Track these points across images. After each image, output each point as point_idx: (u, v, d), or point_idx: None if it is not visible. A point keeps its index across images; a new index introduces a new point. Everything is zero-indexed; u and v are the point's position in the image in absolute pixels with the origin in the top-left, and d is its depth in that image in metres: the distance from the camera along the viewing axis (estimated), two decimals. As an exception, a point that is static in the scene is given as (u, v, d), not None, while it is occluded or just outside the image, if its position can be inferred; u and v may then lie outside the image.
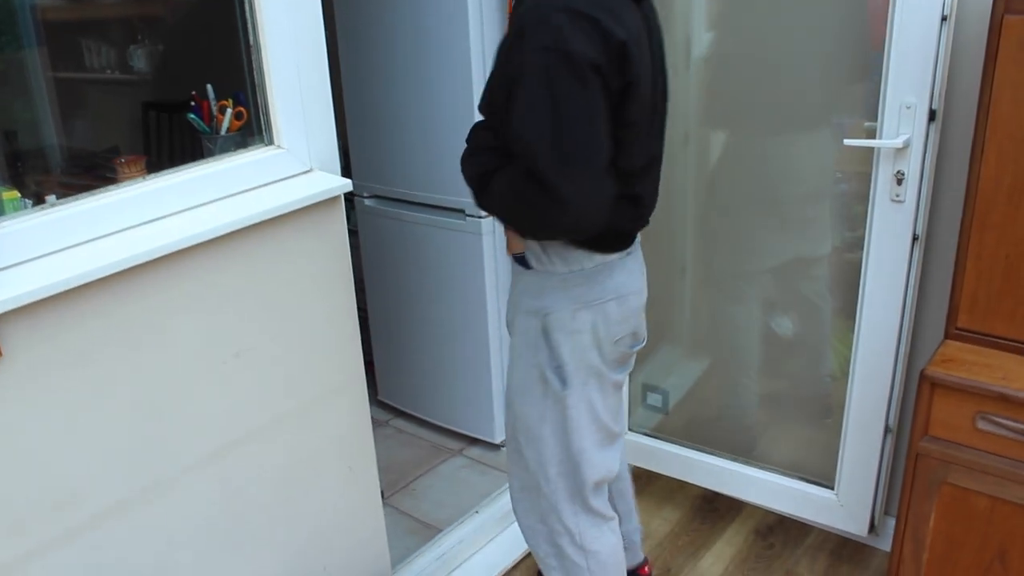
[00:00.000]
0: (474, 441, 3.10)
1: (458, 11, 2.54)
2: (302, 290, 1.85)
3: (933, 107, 1.92)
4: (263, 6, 1.74)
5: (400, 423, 3.27)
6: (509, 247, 1.77)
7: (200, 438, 1.71)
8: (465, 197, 2.68)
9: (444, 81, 2.64)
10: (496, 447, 3.04)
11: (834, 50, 2.14)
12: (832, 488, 2.36)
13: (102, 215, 1.56)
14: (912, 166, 1.97)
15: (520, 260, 1.77)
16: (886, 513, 2.34)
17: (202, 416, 1.70)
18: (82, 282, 1.44)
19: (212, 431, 1.73)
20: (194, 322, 1.65)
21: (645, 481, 2.78)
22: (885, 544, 2.33)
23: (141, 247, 1.53)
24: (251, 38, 1.79)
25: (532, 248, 1.72)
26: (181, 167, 1.74)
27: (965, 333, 1.82)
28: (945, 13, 1.85)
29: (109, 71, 2.96)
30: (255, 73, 1.79)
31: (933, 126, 1.94)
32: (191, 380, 1.67)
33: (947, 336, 1.84)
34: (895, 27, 1.90)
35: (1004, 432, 1.67)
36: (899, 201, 2.00)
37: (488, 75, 1.67)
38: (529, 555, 2.46)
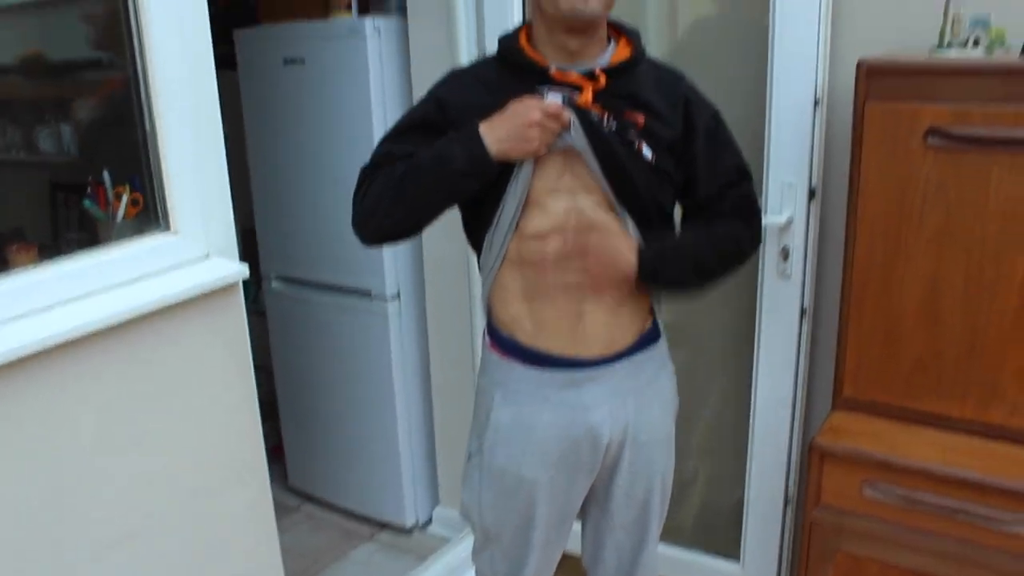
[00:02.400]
0: (385, 525, 3.06)
1: (362, 94, 2.59)
2: (200, 377, 1.83)
3: (812, 186, 2.02)
4: (159, 92, 1.76)
5: (310, 508, 3.21)
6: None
7: (94, 530, 1.66)
8: (371, 278, 2.71)
9: (349, 164, 2.67)
10: (407, 531, 3.00)
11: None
12: (738, 560, 2.39)
13: (-11, 303, 1.54)
14: (796, 242, 2.05)
15: (653, 334, 1.73)
16: (791, 582, 2.38)
17: (96, 507, 1.65)
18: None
19: (107, 522, 1.68)
20: (87, 412, 1.62)
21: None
22: (791, 613, 2.36)
23: (32, 336, 1.51)
24: (147, 124, 1.80)
25: (658, 307, 1.74)
26: (74, 254, 1.72)
27: (851, 403, 1.88)
28: (817, 97, 1.96)
29: (15, 151, 2.92)
30: (151, 159, 1.80)
31: (813, 204, 2.04)
32: (84, 471, 1.63)
33: (834, 406, 1.91)
34: (772, 110, 2.01)
35: (890, 499, 1.72)
36: (786, 276, 2.08)
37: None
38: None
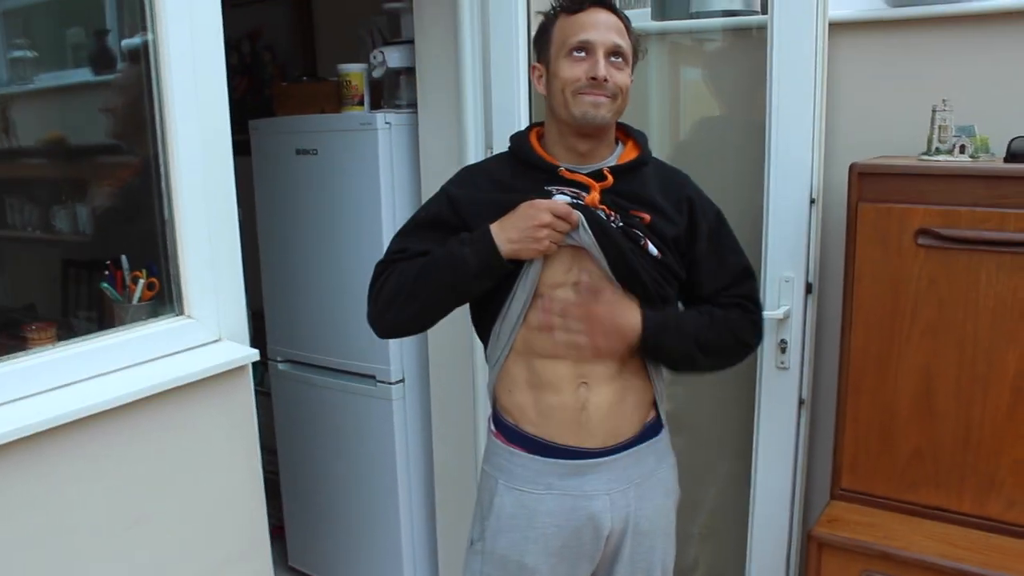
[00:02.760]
0: (384, 610, 3.04)
1: (372, 185, 2.67)
2: (207, 457, 1.87)
3: (809, 280, 2.07)
4: (178, 180, 1.83)
5: (310, 590, 3.19)
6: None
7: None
8: (376, 363, 2.76)
9: (356, 250, 2.75)
10: (407, 615, 2.98)
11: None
12: (738, 651, 2.38)
13: (8, 380, 1.58)
14: (794, 335, 2.10)
15: (655, 426, 1.76)
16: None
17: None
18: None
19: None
20: (97, 488, 1.66)
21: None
22: None
23: (46, 414, 1.56)
24: (165, 212, 1.87)
25: (661, 399, 1.77)
26: (91, 335, 1.78)
27: (849, 493, 1.91)
28: (813, 197, 2.04)
29: (30, 229, 2.99)
30: (168, 245, 1.87)
31: (810, 298, 2.09)
32: (91, 546, 1.65)
33: (833, 496, 1.93)
34: (770, 208, 2.08)
35: (888, 590, 1.74)
36: (784, 368, 2.13)
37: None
38: None
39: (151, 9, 1.79)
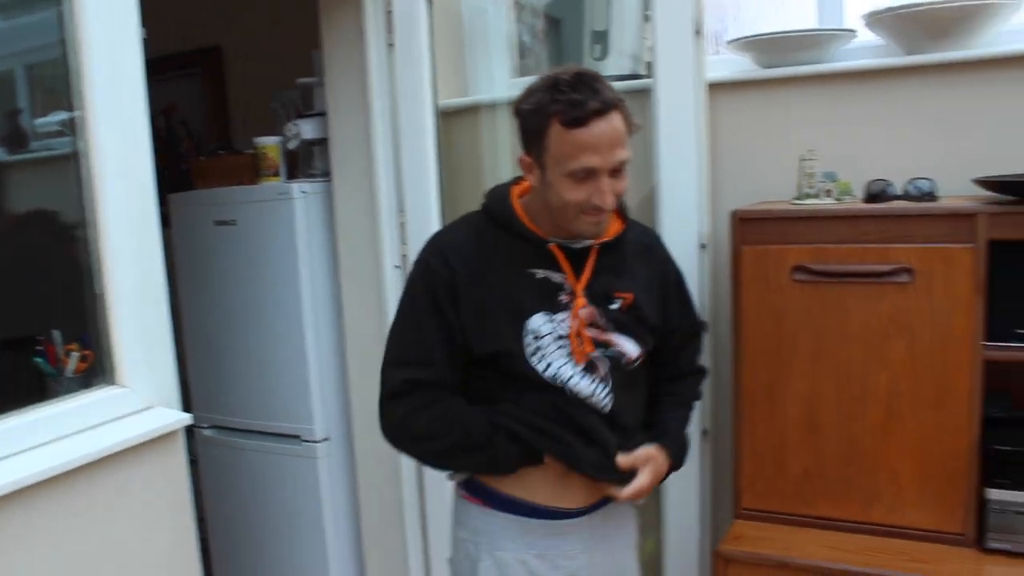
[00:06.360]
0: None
1: (290, 252, 2.79)
2: (143, 523, 1.90)
3: (704, 320, 2.25)
4: (109, 256, 1.90)
5: (243, 656, 3.20)
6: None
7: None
8: (300, 423, 2.84)
9: (277, 314, 2.85)
10: (342, 672, 3.02)
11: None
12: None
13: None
14: (693, 370, 2.28)
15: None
16: None
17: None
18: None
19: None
20: (34, 558, 1.68)
21: None
22: None
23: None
24: (96, 286, 1.94)
25: None
26: (24, 408, 1.82)
27: (750, 512, 2.08)
28: (703, 242, 2.23)
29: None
30: (100, 318, 1.93)
31: (706, 336, 2.26)
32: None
33: (736, 516, 2.10)
34: (665, 254, 2.26)
35: (790, 598, 1.90)
36: (686, 401, 2.29)
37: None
38: None
39: (79, 87, 1.86)
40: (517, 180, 1.74)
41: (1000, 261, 1.79)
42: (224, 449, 3.09)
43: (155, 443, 1.92)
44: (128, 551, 1.87)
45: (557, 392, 1.64)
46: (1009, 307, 1.81)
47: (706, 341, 2.25)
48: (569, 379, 1.63)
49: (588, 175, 1.54)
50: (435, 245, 1.72)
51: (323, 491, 2.90)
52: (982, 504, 1.85)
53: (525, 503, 1.70)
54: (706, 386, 2.26)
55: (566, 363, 1.63)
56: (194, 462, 3.15)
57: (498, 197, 1.72)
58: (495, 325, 1.63)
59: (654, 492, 2.36)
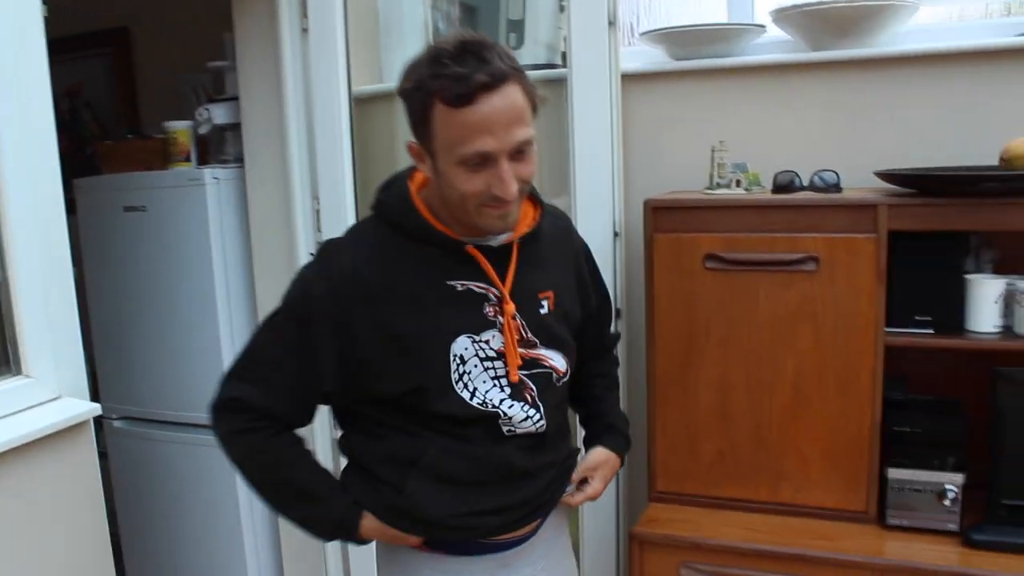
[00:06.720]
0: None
1: (202, 240, 2.74)
2: (52, 516, 1.87)
3: (618, 307, 2.30)
4: (11, 242, 1.85)
5: (154, 651, 3.14)
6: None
7: None
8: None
9: (188, 302, 2.79)
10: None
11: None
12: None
13: None
14: (608, 357, 2.32)
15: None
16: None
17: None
18: None
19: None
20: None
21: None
22: None
23: None
24: (-1, 272, 1.89)
25: None
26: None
27: (664, 495, 2.13)
28: (617, 230, 2.27)
29: None
30: (3, 306, 1.88)
31: (620, 322, 2.31)
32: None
33: (650, 499, 2.15)
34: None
35: (703, 576, 1.96)
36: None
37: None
38: None
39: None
40: (413, 171, 1.48)
41: (900, 251, 1.86)
42: (135, 440, 3.02)
43: (63, 435, 1.89)
44: (36, 550, 1.83)
45: (479, 429, 1.45)
46: (908, 295, 1.89)
47: (620, 328, 2.31)
48: (500, 403, 1.44)
49: (483, 161, 1.29)
50: (326, 269, 1.43)
51: (239, 483, 2.86)
52: (883, 483, 1.92)
53: (472, 542, 1.51)
54: (620, 372, 2.32)
55: (493, 387, 1.44)
56: (103, 455, 3.08)
57: (397, 196, 1.45)
58: (412, 359, 1.40)
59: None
